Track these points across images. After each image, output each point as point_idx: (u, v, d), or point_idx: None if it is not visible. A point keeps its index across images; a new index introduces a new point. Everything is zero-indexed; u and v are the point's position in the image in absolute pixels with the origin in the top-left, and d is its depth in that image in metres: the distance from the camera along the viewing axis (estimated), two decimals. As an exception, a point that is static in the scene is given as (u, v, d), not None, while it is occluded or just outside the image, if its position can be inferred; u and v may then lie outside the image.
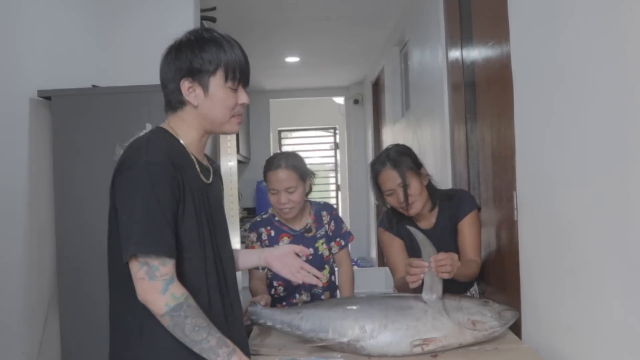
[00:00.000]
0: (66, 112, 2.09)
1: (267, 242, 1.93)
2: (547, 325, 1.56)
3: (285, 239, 1.94)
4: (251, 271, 1.93)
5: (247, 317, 1.62)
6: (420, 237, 1.64)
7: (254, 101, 6.82)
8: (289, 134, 7.87)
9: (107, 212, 1.85)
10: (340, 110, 7.22)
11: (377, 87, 5.74)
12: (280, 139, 7.75)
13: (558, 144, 1.44)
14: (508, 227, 1.84)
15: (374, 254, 6.12)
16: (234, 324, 1.27)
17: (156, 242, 1.10)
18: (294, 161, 1.90)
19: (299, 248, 1.50)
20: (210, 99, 1.22)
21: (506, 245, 1.88)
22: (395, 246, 1.93)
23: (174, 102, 1.25)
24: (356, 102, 6.74)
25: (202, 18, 3.20)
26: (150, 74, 2.41)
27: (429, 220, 1.94)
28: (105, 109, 2.10)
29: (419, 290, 1.61)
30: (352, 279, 2.00)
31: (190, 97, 1.22)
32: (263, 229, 1.95)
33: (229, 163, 2.85)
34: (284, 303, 1.97)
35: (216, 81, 1.22)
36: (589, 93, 1.27)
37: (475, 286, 2.04)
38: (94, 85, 2.25)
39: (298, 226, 1.96)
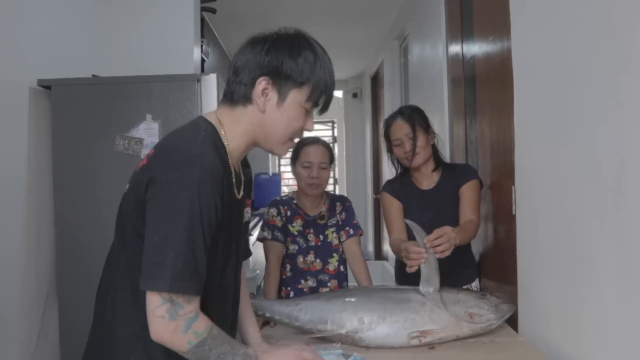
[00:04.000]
0: (66, 101, 2.08)
1: (284, 219, 2.01)
2: (543, 318, 1.57)
3: (299, 221, 2.02)
4: (269, 245, 1.98)
5: None
6: (412, 225, 1.65)
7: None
8: (287, 127, 7.86)
9: (107, 202, 1.84)
10: (339, 103, 7.22)
11: (376, 81, 5.73)
12: (278, 131, 7.73)
13: (557, 139, 1.44)
14: (506, 221, 1.85)
15: (371, 248, 6.14)
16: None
17: (192, 279, 0.96)
18: (327, 144, 2.05)
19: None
20: (280, 111, 1.08)
21: (504, 239, 1.90)
22: (395, 207, 2.01)
23: (238, 96, 1.09)
24: (355, 95, 6.74)
25: (202, 9, 3.19)
26: (150, 64, 2.43)
27: (431, 180, 2.02)
28: (106, 99, 2.09)
29: (414, 280, 1.62)
30: (366, 267, 2.04)
31: (260, 99, 1.07)
32: (282, 207, 2.03)
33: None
34: (289, 288, 2.01)
35: (298, 96, 1.08)
36: (588, 88, 1.28)
37: (477, 282, 2.06)
38: (94, 75, 2.25)
39: (312, 212, 2.03)
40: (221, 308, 1.14)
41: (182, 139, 1.06)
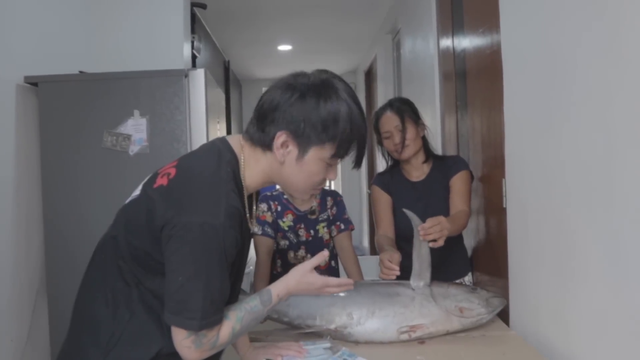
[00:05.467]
0: (53, 98, 2.07)
1: (274, 214, 1.99)
2: (534, 312, 1.57)
3: (290, 216, 2.00)
4: (259, 241, 1.96)
5: None
6: (410, 215, 1.65)
7: (247, 90, 6.78)
8: (281, 123, 7.82)
9: (95, 198, 1.81)
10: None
11: (370, 76, 5.72)
12: (273, 128, 7.70)
13: (546, 132, 1.44)
14: (497, 214, 1.85)
15: (366, 243, 6.14)
16: None
17: (216, 316, 1.01)
18: None
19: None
20: (299, 166, 1.05)
21: (495, 233, 1.89)
22: (383, 202, 2.00)
23: (259, 139, 1.06)
24: (349, 91, 6.71)
25: (193, 4, 3.17)
26: (139, 60, 2.41)
27: (421, 172, 2.01)
28: (93, 95, 2.07)
29: (406, 275, 1.62)
30: (357, 261, 2.03)
31: (279, 151, 1.04)
32: (272, 203, 2.01)
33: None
34: None
35: (319, 153, 1.04)
36: (577, 82, 1.27)
37: (470, 275, 2.05)
38: (81, 71, 2.23)
39: (303, 207, 2.01)
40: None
41: (206, 177, 1.02)
